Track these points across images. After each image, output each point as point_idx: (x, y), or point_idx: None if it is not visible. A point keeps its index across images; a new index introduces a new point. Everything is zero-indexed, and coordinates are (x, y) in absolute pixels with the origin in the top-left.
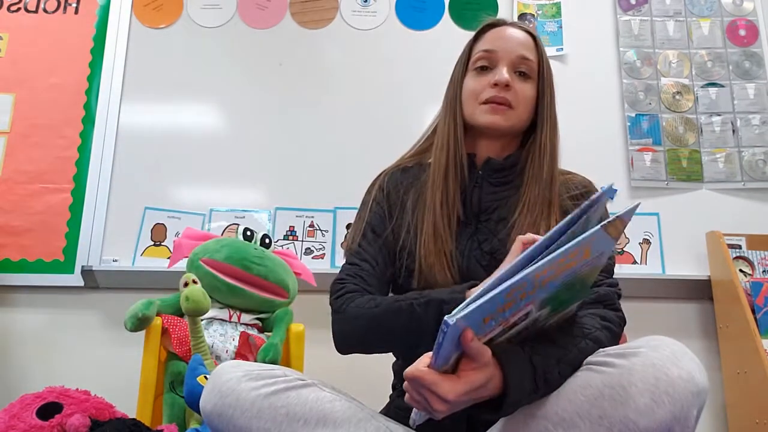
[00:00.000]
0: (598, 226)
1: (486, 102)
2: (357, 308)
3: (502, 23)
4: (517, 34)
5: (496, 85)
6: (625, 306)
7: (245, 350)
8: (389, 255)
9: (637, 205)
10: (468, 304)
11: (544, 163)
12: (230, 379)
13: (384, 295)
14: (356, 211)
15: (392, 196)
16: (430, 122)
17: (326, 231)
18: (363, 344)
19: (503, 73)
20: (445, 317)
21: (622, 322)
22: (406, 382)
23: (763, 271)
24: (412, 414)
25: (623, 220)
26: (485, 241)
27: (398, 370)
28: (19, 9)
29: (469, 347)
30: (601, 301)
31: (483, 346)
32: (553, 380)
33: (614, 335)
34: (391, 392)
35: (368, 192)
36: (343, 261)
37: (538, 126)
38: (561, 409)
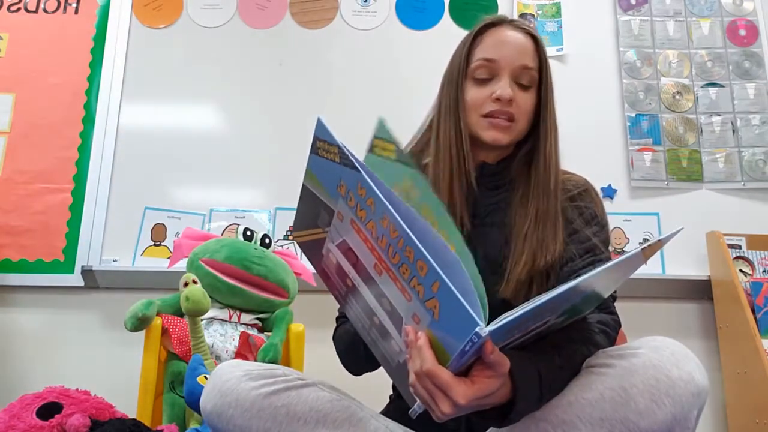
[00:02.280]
0: (638, 249)
1: (488, 115)
2: (339, 340)
3: (501, 22)
4: (518, 38)
5: (498, 100)
6: (625, 306)
7: (245, 350)
8: None
9: (678, 231)
10: (502, 318)
11: (551, 174)
12: (230, 379)
13: None
14: None
15: None
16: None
17: None
18: (356, 372)
19: (506, 88)
20: (477, 329)
21: (618, 325)
22: (413, 376)
23: (763, 271)
24: (415, 405)
25: (662, 242)
26: (480, 245)
27: None
28: (19, 9)
29: (488, 358)
30: (598, 304)
31: (502, 356)
32: (556, 389)
33: (611, 339)
34: (391, 393)
35: None
36: None
37: (540, 135)
38: (561, 411)
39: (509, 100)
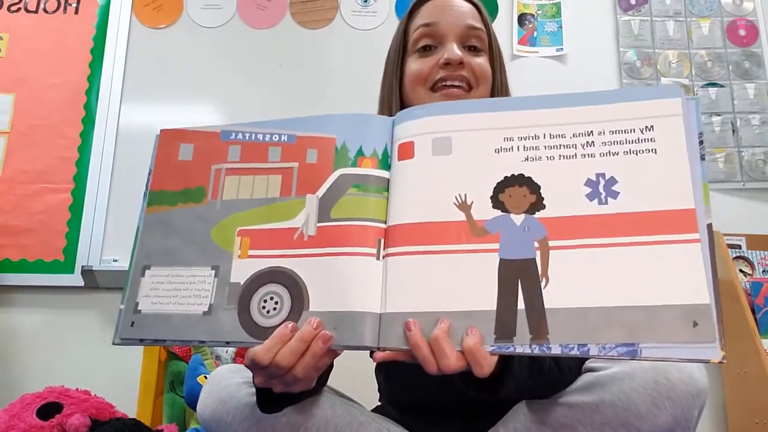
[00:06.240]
0: None
1: (439, 85)
2: None
3: None
4: (457, 2)
5: (447, 64)
6: None
7: (246, 350)
8: None
9: None
10: None
11: None
12: (229, 386)
13: None
14: None
15: None
16: None
17: None
18: None
19: (454, 50)
20: None
21: None
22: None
23: (763, 271)
24: None
25: None
26: None
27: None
28: (19, 9)
29: None
30: None
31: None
32: (545, 369)
33: None
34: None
35: None
36: None
37: None
38: (562, 415)
39: (460, 62)
